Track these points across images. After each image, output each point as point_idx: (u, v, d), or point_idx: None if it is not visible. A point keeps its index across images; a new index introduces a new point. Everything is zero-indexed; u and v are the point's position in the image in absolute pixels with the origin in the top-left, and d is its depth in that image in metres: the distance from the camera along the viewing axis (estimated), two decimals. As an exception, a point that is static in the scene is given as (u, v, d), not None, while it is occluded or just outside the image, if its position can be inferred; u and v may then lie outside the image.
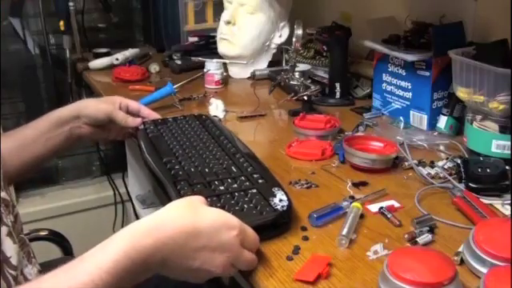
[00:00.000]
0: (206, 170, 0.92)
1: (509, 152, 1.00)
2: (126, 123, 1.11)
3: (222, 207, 0.78)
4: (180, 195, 0.82)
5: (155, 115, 1.19)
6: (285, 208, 0.79)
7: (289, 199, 0.81)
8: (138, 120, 1.14)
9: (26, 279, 0.78)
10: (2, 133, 1.02)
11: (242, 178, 0.88)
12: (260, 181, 0.88)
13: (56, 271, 0.59)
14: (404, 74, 1.24)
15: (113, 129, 1.13)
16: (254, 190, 0.84)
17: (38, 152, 1.00)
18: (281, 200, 0.81)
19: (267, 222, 0.77)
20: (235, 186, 0.86)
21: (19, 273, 0.76)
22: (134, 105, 1.16)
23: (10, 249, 0.73)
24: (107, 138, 1.15)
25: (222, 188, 0.86)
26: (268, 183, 0.87)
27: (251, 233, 0.70)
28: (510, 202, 0.88)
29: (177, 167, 0.93)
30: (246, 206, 0.79)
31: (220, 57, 1.70)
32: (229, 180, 0.88)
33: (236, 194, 0.83)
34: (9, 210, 0.79)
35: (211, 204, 0.77)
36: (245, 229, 0.69)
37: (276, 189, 0.84)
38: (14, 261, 0.74)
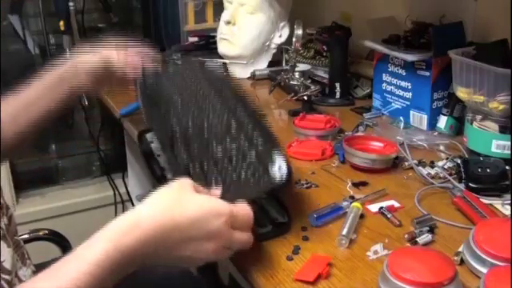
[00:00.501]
0: (205, 124, 0.88)
1: (509, 152, 1.00)
2: (125, 64, 1.04)
3: (219, 174, 0.76)
4: (175, 158, 0.81)
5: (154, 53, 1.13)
6: (283, 179, 0.74)
7: (288, 166, 0.76)
8: (137, 59, 1.06)
9: (21, 281, 0.78)
10: (4, 99, 0.99)
11: (242, 136, 0.83)
12: (259, 140, 0.82)
13: (39, 275, 0.58)
14: (404, 73, 1.24)
15: (114, 76, 1.05)
16: (253, 153, 0.79)
17: (41, 112, 0.97)
18: (280, 168, 0.76)
19: (263, 195, 0.77)
20: (233, 147, 0.82)
21: (14, 276, 0.76)
22: (131, 50, 1.08)
23: (4, 253, 0.73)
24: (110, 87, 1.10)
25: (219, 149, 0.82)
26: (267, 145, 0.81)
27: (244, 213, 0.68)
28: (510, 201, 0.88)
29: (174, 121, 0.88)
30: (243, 174, 0.77)
31: (220, 57, 1.70)
32: (227, 139, 0.83)
33: (234, 158, 0.79)
34: (2, 213, 0.78)
35: (206, 178, 0.75)
36: (235, 212, 0.67)
37: (276, 152, 0.78)
38: (7, 265, 0.73)
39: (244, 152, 0.81)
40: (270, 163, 0.77)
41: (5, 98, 0.95)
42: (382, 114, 1.33)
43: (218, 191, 0.71)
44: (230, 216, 0.65)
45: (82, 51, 1.02)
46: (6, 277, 0.72)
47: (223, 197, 0.69)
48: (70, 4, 1.93)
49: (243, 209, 0.68)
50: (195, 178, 0.71)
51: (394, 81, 1.28)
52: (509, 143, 1.00)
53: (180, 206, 0.64)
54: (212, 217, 0.64)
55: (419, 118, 1.23)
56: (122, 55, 1.03)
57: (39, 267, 0.95)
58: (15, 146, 0.97)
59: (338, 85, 1.44)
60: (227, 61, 1.67)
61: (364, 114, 1.34)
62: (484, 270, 0.68)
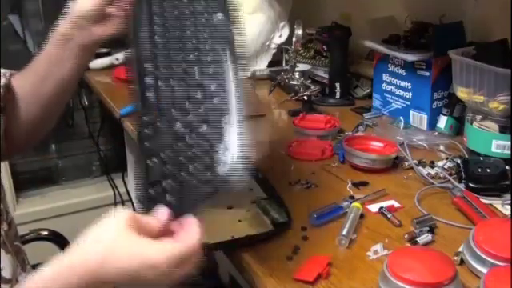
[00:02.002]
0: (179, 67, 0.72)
1: (509, 152, 1.00)
2: None
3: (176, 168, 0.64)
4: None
5: None
6: (226, 170, 0.60)
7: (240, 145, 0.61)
8: None
9: None
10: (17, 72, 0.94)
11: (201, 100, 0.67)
12: (215, 101, 0.66)
13: None
14: (404, 73, 1.24)
15: (118, 10, 0.90)
16: (205, 128, 0.65)
17: (57, 78, 0.90)
18: (226, 150, 0.61)
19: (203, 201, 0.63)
20: (192, 118, 0.67)
21: (14, 282, 0.75)
22: None
23: (3, 260, 0.72)
24: (122, 26, 0.92)
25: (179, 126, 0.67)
26: (220, 107, 0.66)
27: (187, 251, 0.59)
28: (510, 201, 0.88)
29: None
30: (191, 168, 0.63)
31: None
32: (188, 106, 0.68)
33: (191, 142, 0.65)
34: (2, 219, 0.77)
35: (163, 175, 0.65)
36: (173, 257, 0.58)
37: (225, 120, 0.64)
38: (6, 273, 0.73)
39: (196, 124, 0.66)
40: (217, 143, 0.62)
41: (21, 72, 0.91)
42: (382, 113, 1.33)
43: (164, 215, 0.62)
44: (167, 264, 0.58)
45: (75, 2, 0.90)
46: (5, 286, 0.72)
47: (173, 212, 0.62)
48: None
49: (187, 246, 0.59)
50: (152, 174, 0.64)
51: (394, 81, 1.28)
52: (509, 143, 1.00)
53: (112, 255, 0.58)
54: (146, 269, 0.58)
55: (419, 118, 1.23)
56: None
57: (39, 267, 0.95)
58: (43, 120, 0.92)
59: (337, 85, 1.44)
60: (227, 61, 1.67)
61: (364, 114, 1.34)
62: (484, 270, 0.68)
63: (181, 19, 0.80)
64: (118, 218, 0.59)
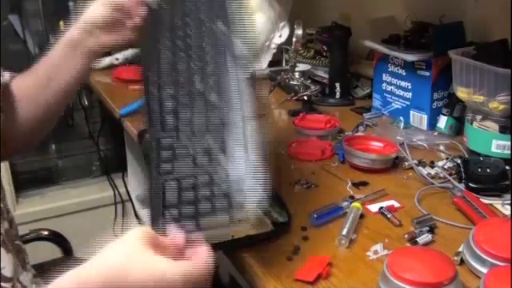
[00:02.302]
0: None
1: (509, 152, 1.00)
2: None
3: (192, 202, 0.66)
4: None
5: None
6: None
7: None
8: None
9: (24, 287, 0.78)
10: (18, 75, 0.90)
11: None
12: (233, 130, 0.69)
13: None
14: (404, 74, 1.24)
15: (128, 21, 0.90)
16: (222, 157, 0.67)
17: (62, 82, 0.90)
18: (243, 182, 0.64)
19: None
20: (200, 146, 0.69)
21: (16, 281, 0.75)
22: None
23: (4, 259, 0.72)
24: (132, 38, 0.92)
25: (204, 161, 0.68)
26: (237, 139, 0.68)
27: (199, 272, 0.60)
28: (510, 201, 0.88)
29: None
30: (217, 204, 0.66)
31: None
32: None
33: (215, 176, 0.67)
34: (3, 217, 0.77)
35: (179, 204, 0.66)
36: (189, 275, 0.59)
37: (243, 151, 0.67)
38: (7, 272, 0.72)
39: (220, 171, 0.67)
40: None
41: (23, 74, 0.90)
42: (382, 113, 1.33)
43: (179, 238, 0.63)
44: (183, 283, 0.58)
45: (86, 7, 0.90)
46: (6, 285, 0.72)
47: (188, 238, 0.63)
48: (70, 4, 1.93)
49: (201, 266, 0.60)
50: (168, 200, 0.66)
51: (394, 81, 1.28)
52: (509, 143, 1.00)
53: (129, 271, 0.58)
54: (161, 286, 0.58)
55: (419, 118, 1.23)
56: None
57: (39, 267, 0.95)
58: (41, 123, 0.92)
59: (337, 85, 1.44)
60: (227, 61, 1.67)
61: (364, 114, 1.34)
62: (484, 270, 0.68)
63: (197, 43, 0.81)
64: (136, 235, 0.60)
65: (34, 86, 0.89)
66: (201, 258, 0.61)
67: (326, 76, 1.50)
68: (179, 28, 0.83)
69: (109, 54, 1.87)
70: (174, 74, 0.77)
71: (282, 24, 1.70)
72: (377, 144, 1.09)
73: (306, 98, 1.34)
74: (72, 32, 0.89)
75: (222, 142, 0.69)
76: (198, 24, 0.83)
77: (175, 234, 0.63)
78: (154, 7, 0.87)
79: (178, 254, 0.63)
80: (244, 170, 0.66)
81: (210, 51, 0.79)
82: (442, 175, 0.98)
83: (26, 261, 0.84)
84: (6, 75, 0.87)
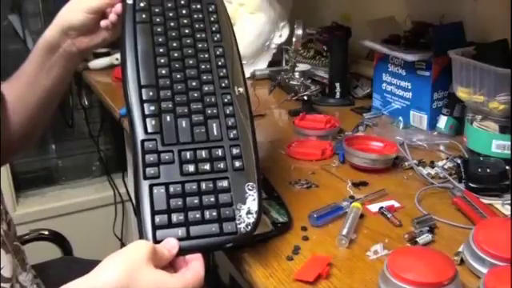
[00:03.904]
0: (185, 109, 0.75)
1: (509, 152, 1.00)
2: (104, 2, 0.87)
3: (182, 209, 0.69)
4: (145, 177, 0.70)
5: None
6: (248, 229, 0.69)
7: (259, 210, 0.70)
8: None
9: (23, 287, 0.78)
10: (3, 83, 0.90)
11: (219, 152, 0.73)
12: (237, 164, 0.72)
13: None
14: (404, 73, 1.24)
15: (107, 25, 0.89)
16: (225, 184, 0.71)
17: (44, 86, 0.90)
18: (249, 213, 0.69)
19: (222, 247, 0.69)
20: (207, 167, 0.72)
21: (14, 281, 0.75)
22: None
23: (3, 259, 0.72)
24: (108, 37, 0.92)
25: (191, 169, 0.71)
26: (244, 172, 0.72)
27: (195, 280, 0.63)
28: (510, 201, 0.88)
29: (153, 99, 0.75)
30: (207, 214, 0.69)
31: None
32: (203, 153, 0.72)
33: (203, 184, 0.70)
34: (1, 218, 0.77)
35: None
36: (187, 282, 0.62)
37: (250, 186, 0.71)
38: (6, 272, 0.73)
39: (217, 175, 0.72)
40: (240, 203, 0.70)
41: (8, 80, 0.91)
42: (382, 113, 1.33)
43: (174, 248, 0.66)
44: None
45: (64, 11, 0.90)
46: (5, 285, 0.72)
47: (181, 248, 0.66)
48: (70, 4, 1.93)
49: (195, 279, 0.63)
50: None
51: (394, 81, 1.28)
52: (509, 143, 1.00)
53: (136, 284, 0.60)
54: None
55: (419, 118, 1.23)
56: None
57: (39, 267, 0.95)
58: (28, 132, 0.92)
59: (338, 85, 1.44)
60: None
61: (364, 114, 1.34)
62: (484, 270, 0.68)
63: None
64: (140, 251, 0.61)
65: (19, 92, 0.89)
66: (196, 268, 0.64)
67: (326, 76, 1.50)
68: (158, 24, 0.82)
69: (108, 54, 1.88)
70: (155, 76, 0.77)
71: (282, 24, 1.70)
72: (377, 144, 1.09)
73: (306, 97, 1.34)
74: (49, 34, 0.90)
75: (225, 170, 0.72)
76: (177, 22, 0.83)
77: (171, 243, 0.66)
78: (129, 2, 0.84)
79: (170, 263, 0.65)
80: (249, 203, 0.70)
81: (192, 53, 0.81)
82: (441, 175, 0.98)
83: (25, 261, 0.84)
84: None
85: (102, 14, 0.88)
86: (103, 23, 0.88)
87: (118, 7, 0.86)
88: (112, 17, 0.87)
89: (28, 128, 0.92)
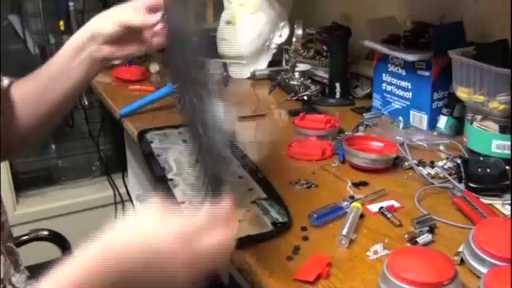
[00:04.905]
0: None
1: (509, 152, 1.00)
2: (143, 23, 0.88)
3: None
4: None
5: None
6: None
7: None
8: (157, 15, 0.89)
9: None
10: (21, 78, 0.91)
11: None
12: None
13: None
14: (404, 73, 1.24)
15: (135, 39, 0.91)
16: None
17: (61, 89, 0.90)
18: None
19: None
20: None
21: (7, 283, 0.75)
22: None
23: None
24: (133, 53, 0.93)
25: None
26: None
27: (220, 213, 0.61)
28: (510, 201, 0.88)
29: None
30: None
31: (220, 57, 1.70)
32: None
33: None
34: None
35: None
36: (211, 216, 0.60)
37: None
38: None
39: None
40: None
41: (23, 79, 0.91)
42: (382, 113, 1.33)
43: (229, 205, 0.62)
44: (206, 223, 0.60)
45: (98, 18, 0.91)
46: None
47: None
48: (70, 4, 1.94)
49: (221, 208, 0.61)
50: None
51: (394, 81, 1.28)
52: (509, 143, 1.00)
53: (158, 233, 0.59)
54: (182, 237, 0.58)
55: (419, 118, 1.23)
56: (141, 15, 0.89)
57: (39, 267, 0.95)
58: (39, 129, 0.93)
59: (338, 85, 1.44)
60: (227, 61, 1.67)
61: (364, 114, 1.33)
62: (484, 270, 0.68)
63: None
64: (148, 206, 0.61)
65: (35, 91, 0.89)
66: (230, 230, 0.61)
67: (326, 76, 1.50)
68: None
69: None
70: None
71: (282, 24, 1.70)
72: (377, 144, 1.09)
73: (306, 97, 1.34)
74: (77, 38, 0.89)
75: None
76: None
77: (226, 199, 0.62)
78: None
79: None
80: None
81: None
82: (441, 175, 0.98)
83: (19, 262, 0.84)
84: (5, 81, 0.87)
85: (136, 33, 0.90)
86: (131, 37, 0.89)
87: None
88: (155, 40, 0.89)
89: (36, 127, 0.91)
